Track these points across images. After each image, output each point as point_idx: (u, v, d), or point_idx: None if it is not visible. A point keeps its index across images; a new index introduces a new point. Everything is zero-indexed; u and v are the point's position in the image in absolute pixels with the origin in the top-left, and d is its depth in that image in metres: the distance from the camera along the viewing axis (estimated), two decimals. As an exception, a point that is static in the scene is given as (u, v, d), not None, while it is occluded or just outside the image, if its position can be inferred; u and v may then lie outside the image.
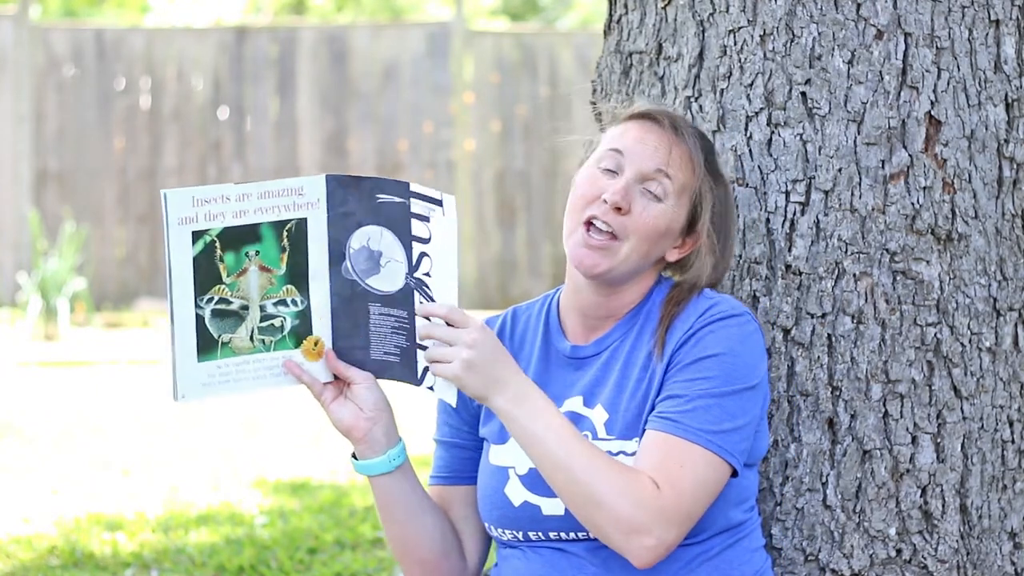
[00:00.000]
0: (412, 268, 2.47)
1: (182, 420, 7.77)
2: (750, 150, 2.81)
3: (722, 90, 2.83)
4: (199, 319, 2.47)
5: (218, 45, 13.36)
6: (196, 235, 2.43)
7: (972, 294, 2.78)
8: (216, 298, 2.47)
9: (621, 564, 2.52)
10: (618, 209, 2.55)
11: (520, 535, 2.61)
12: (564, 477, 2.44)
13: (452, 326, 2.46)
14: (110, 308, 13.03)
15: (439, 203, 2.42)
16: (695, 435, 2.47)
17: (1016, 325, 2.82)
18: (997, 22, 2.81)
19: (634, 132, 2.62)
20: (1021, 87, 2.83)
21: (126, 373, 9.66)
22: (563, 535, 2.57)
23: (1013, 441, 2.82)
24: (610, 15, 3.04)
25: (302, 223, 2.49)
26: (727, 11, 2.83)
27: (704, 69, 2.86)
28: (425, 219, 2.44)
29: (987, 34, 2.81)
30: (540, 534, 2.59)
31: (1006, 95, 2.82)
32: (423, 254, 2.45)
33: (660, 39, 2.92)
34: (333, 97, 13.31)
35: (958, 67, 2.79)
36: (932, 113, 2.77)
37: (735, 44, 2.83)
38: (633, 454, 2.53)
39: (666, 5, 2.91)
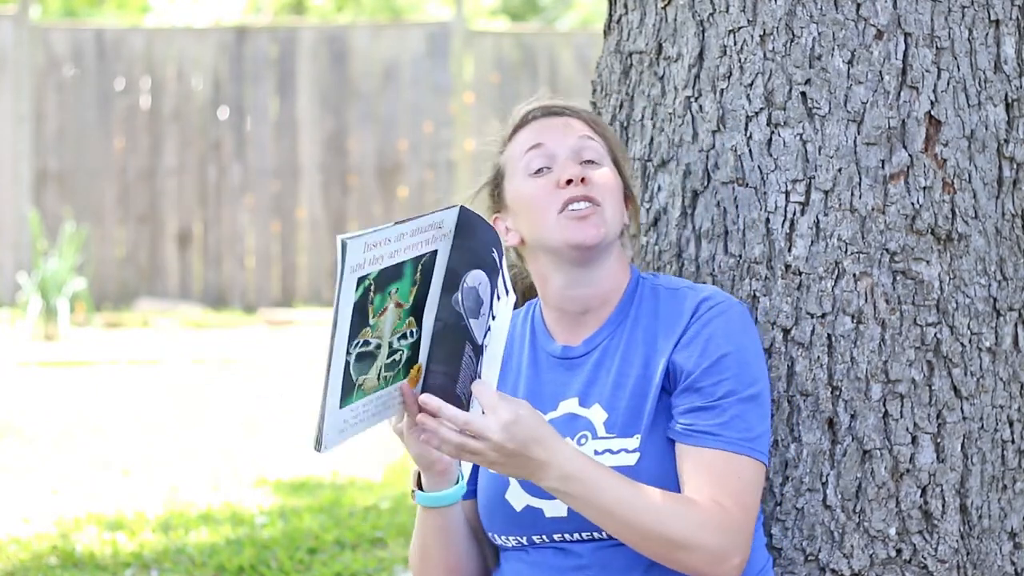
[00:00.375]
0: (484, 334, 2.46)
1: (182, 420, 7.77)
2: (750, 150, 2.81)
3: (722, 90, 2.83)
4: (346, 366, 2.36)
5: (218, 45, 13.36)
6: (359, 281, 2.32)
7: (972, 294, 2.78)
8: (361, 341, 2.36)
9: (624, 564, 2.53)
10: (582, 180, 2.58)
11: (524, 539, 2.61)
12: (637, 533, 2.44)
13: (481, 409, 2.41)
14: (110, 308, 13.03)
15: (508, 293, 2.41)
16: (739, 446, 2.51)
17: (1016, 325, 2.82)
18: (997, 22, 2.81)
19: (532, 131, 2.66)
20: (1021, 87, 2.83)
21: (126, 373, 9.66)
22: (567, 536, 2.57)
23: (1013, 441, 2.81)
24: (610, 15, 3.04)
25: (433, 255, 2.40)
26: (727, 11, 2.83)
27: (704, 69, 2.86)
28: (497, 297, 2.43)
29: (987, 34, 2.80)
30: (544, 537, 2.59)
31: (1006, 95, 2.81)
32: (489, 327, 2.44)
33: (660, 39, 2.92)
34: (333, 97, 13.32)
35: (958, 67, 2.78)
36: (932, 113, 2.77)
37: (735, 44, 2.83)
38: (635, 451, 2.54)
39: (666, 5, 2.91)
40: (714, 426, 2.50)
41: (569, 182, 2.58)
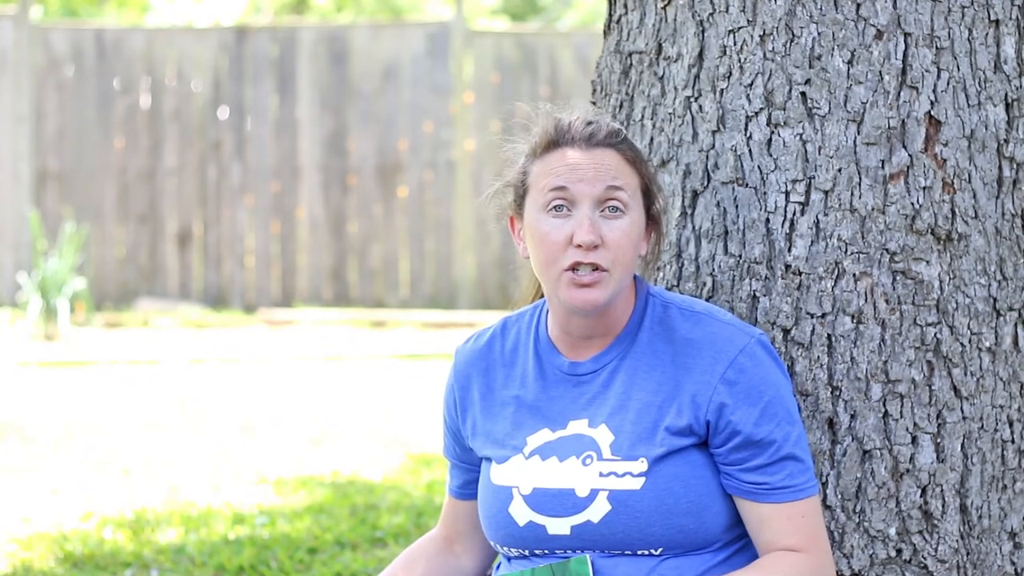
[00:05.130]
0: None
1: (182, 420, 7.77)
2: (750, 150, 2.81)
3: (722, 90, 2.83)
4: None
5: (218, 45, 13.36)
6: None
7: (972, 294, 2.78)
8: None
9: (624, 573, 2.53)
10: (595, 246, 2.54)
11: (527, 552, 2.61)
12: None
13: None
14: (110, 308, 13.03)
15: None
16: (799, 492, 2.55)
17: (1016, 325, 2.82)
18: (997, 22, 2.81)
19: (560, 162, 2.58)
20: (1021, 87, 2.83)
21: (126, 373, 9.66)
22: (569, 552, 2.57)
23: (1013, 441, 2.81)
24: (610, 15, 3.04)
25: None
26: (727, 11, 2.83)
27: (704, 69, 2.86)
28: None
29: (987, 34, 2.80)
30: (546, 551, 2.59)
31: (1006, 95, 2.81)
32: None
33: (660, 39, 2.92)
34: (333, 97, 13.31)
35: (958, 67, 2.78)
36: (932, 113, 2.77)
37: (735, 44, 2.83)
38: (640, 475, 2.54)
39: (666, 5, 2.91)
40: (784, 478, 2.54)
41: (581, 246, 2.54)
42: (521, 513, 2.59)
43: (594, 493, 2.55)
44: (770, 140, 2.79)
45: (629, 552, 2.54)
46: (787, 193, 2.78)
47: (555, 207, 2.56)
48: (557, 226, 2.56)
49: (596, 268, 2.54)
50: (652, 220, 2.65)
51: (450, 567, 2.79)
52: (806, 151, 2.78)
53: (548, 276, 2.57)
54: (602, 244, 2.54)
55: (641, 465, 2.54)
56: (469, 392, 2.70)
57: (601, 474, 2.55)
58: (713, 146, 2.83)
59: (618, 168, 2.59)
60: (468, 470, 2.76)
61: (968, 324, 2.77)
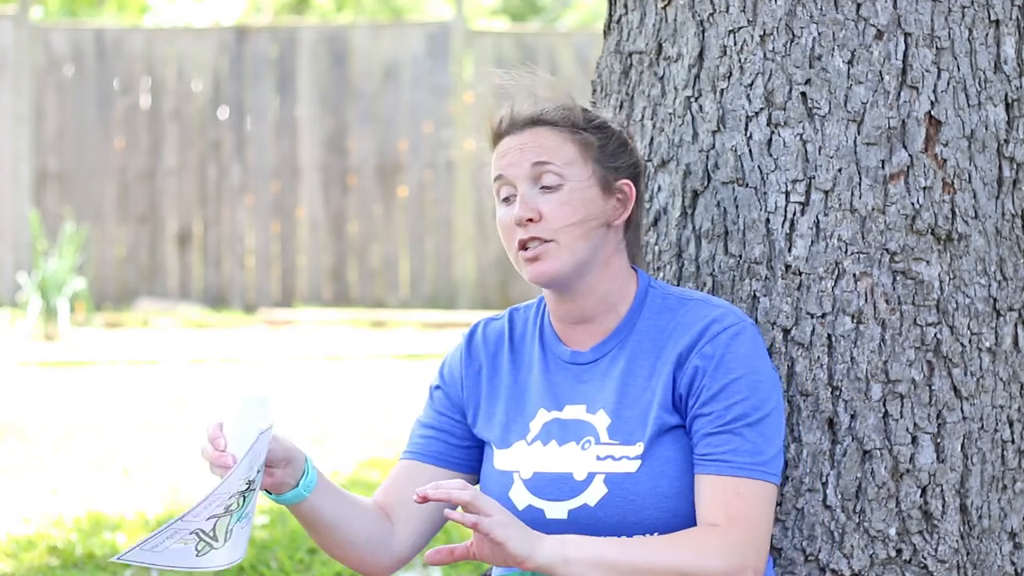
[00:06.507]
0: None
1: (182, 420, 7.77)
2: (750, 150, 2.81)
3: (722, 90, 2.83)
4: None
5: (218, 45, 13.37)
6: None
7: (972, 294, 2.78)
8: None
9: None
10: (530, 220, 2.60)
11: None
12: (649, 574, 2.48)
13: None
14: (110, 308, 13.03)
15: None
16: (748, 471, 2.53)
17: (1016, 325, 2.82)
18: (997, 22, 2.81)
19: (500, 152, 2.67)
20: (1021, 87, 2.83)
21: (126, 373, 9.66)
22: None
23: (1013, 441, 2.82)
24: (610, 15, 3.04)
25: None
26: (727, 11, 2.83)
27: (704, 69, 2.86)
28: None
29: (987, 34, 2.81)
30: None
31: (1006, 95, 2.82)
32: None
33: (660, 39, 2.92)
34: (333, 97, 13.32)
35: (958, 67, 2.79)
36: (932, 113, 2.77)
37: (735, 44, 2.83)
38: (636, 458, 2.56)
39: (666, 5, 2.91)
40: (724, 452, 2.53)
41: (519, 224, 2.61)
42: (521, 497, 2.62)
43: (591, 476, 2.57)
44: (770, 140, 2.79)
45: (625, 537, 2.56)
46: (787, 193, 2.78)
47: (504, 197, 2.65)
48: (506, 212, 2.64)
49: (539, 241, 2.60)
50: (614, 186, 2.65)
51: (383, 531, 2.72)
52: (806, 151, 2.78)
53: (513, 260, 2.65)
54: (539, 218, 2.60)
55: (637, 449, 2.57)
56: (478, 374, 2.73)
57: (598, 457, 2.58)
58: (713, 146, 2.83)
59: (547, 142, 2.64)
60: (444, 430, 2.74)
61: (968, 324, 2.77)
